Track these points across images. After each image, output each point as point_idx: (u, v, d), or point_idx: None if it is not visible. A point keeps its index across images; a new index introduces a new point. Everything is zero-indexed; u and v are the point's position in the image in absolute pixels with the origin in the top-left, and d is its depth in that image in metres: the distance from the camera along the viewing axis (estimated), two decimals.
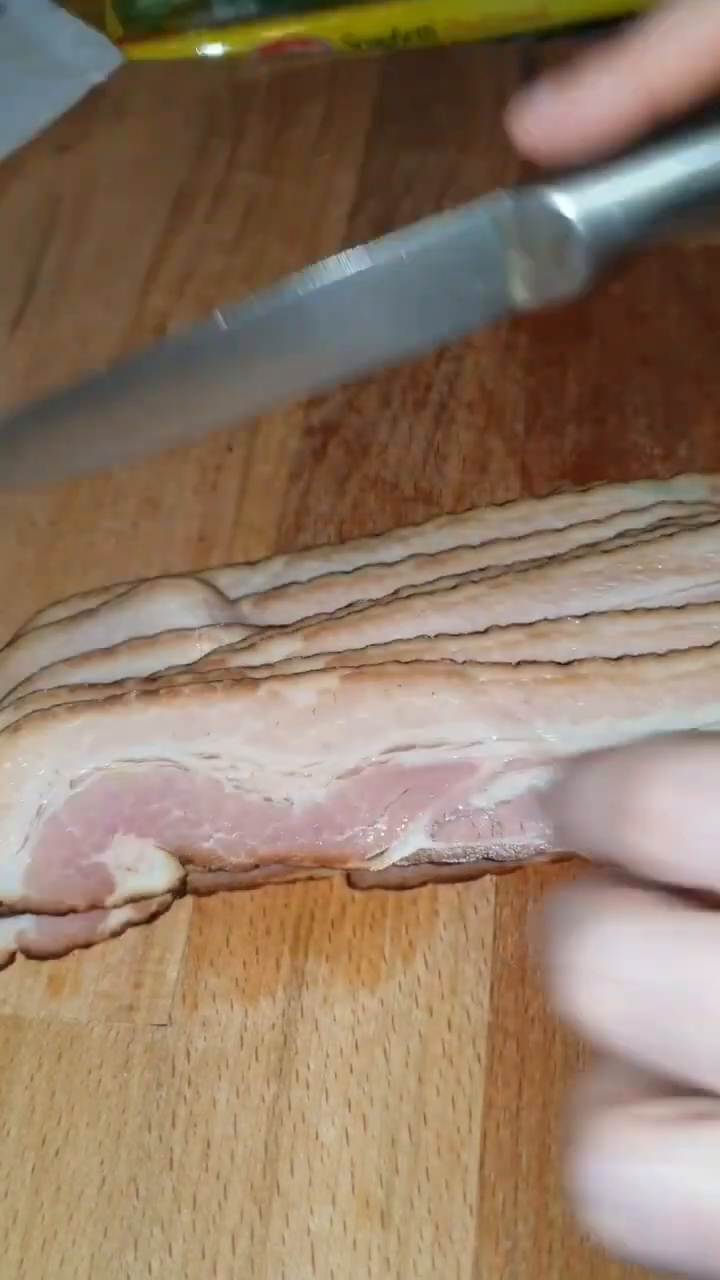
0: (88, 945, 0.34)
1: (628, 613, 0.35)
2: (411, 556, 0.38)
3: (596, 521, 0.38)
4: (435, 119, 0.57)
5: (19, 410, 0.32)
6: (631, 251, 0.28)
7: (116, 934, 0.34)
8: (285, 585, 0.38)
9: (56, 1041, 0.33)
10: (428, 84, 0.59)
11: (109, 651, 0.37)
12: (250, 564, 0.40)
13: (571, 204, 0.28)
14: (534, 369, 0.47)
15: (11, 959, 0.34)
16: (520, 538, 0.38)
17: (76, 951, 0.34)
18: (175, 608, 0.38)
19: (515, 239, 0.28)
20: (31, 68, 0.60)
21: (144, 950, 0.34)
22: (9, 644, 0.39)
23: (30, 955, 0.33)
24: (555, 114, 0.28)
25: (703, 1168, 0.19)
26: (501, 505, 0.40)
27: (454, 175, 0.54)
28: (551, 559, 0.37)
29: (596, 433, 0.44)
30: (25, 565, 0.43)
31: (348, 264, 0.28)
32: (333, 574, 0.38)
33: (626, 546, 0.37)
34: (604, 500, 0.40)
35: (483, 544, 0.38)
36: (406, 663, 0.34)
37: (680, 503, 0.39)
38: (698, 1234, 0.19)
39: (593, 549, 0.37)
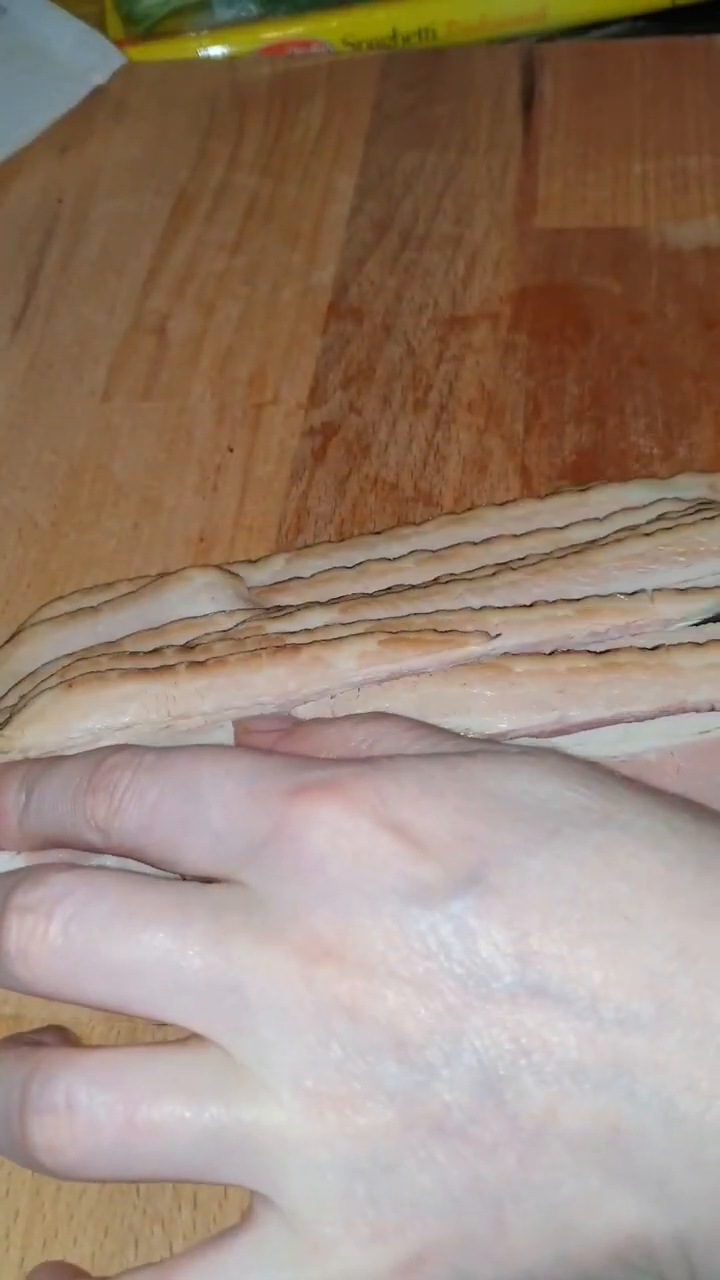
0: None
1: (681, 591, 0.35)
2: (413, 553, 0.38)
3: (596, 520, 0.38)
4: (435, 120, 0.57)
5: None
6: None
7: None
8: (287, 580, 0.38)
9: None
10: (428, 85, 0.59)
11: (113, 645, 0.37)
12: (251, 562, 0.40)
13: None
14: (534, 370, 0.47)
15: None
16: (521, 535, 0.38)
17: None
18: (191, 591, 0.38)
19: None
20: (32, 69, 0.60)
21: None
22: (9, 640, 0.39)
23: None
24: None
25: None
26: (501, 505, 0.40)
27: (454, 176, 0.55)
28: (590, 543, 0.37)
29: (596, 433, 0.44)
30: (26, 565, 0.43)
31: None
32: (335, 569, 0.38)
33: (667, 529, 0.36)
34: (603, 500, 0.40)
35: (485, 541, 0.38)
36: (443, 632, 0.34)
37: (680, 500, 0.39)
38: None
39: (633, 531, 0.37)
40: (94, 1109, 0.25)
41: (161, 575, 0.39)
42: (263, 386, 0.48)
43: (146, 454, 0.46)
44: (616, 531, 0.37)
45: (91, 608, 0.39)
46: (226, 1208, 0.31)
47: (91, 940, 0.26)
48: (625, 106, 0.57)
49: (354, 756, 0.29)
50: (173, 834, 0.27)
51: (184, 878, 0.28)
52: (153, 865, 0.28)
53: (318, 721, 0.32)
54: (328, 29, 0.61)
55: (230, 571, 0.39)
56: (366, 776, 0.27)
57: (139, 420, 0.47)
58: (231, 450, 0.46)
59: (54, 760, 0.31)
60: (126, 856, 0.29)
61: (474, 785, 0.27)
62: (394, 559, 0.38)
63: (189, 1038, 0.26)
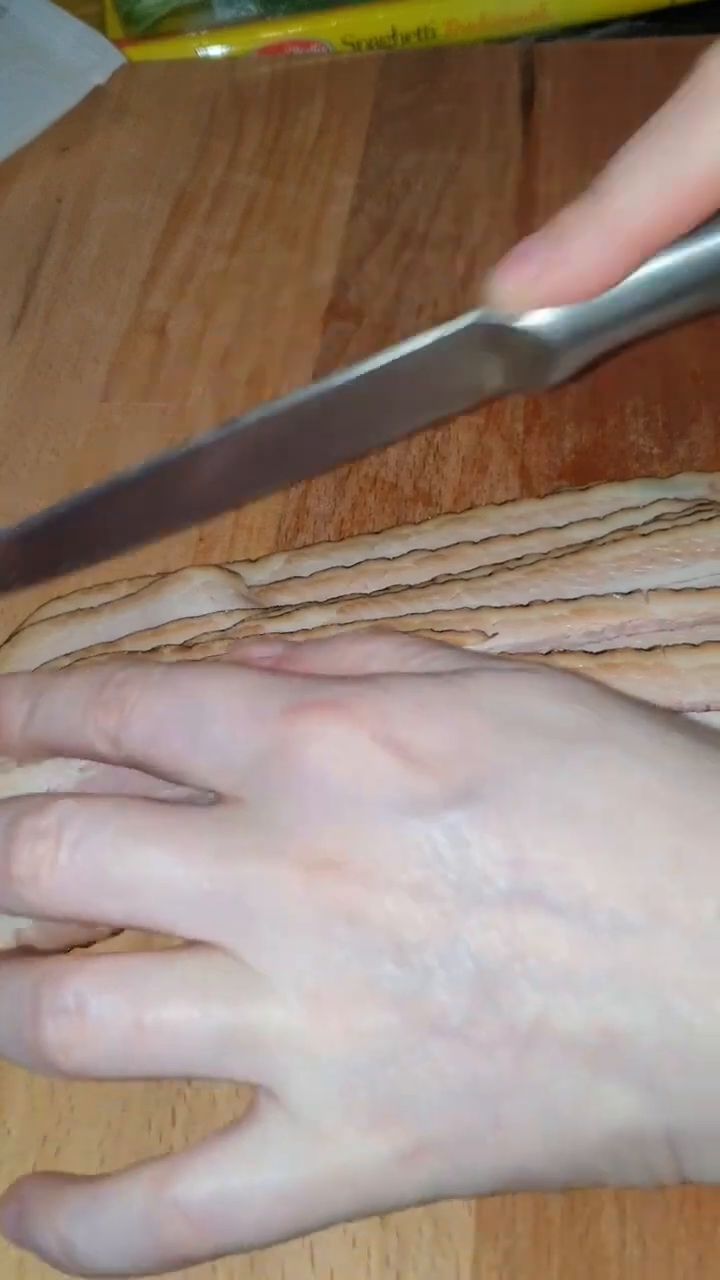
0: (88, 944, 0.34)
1: (676, 591, 0.35)
2: (412, 552, 0.38)
3: (596, 520, 0.38)
4: (435, 120, 0.57)
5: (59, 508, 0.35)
6: (607, 348, 0.31)
7: (116, 932, 0.34)
8: (286, 580, 0.38)
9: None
10: (427, 84, 0.59)
11: (111, 645, 0.37)
12: (250, 561, 0.40)
13: (547, 328, 0.29)
14: None
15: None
16: (520, 535, 0.38)
17: (76, 950, 0.34)
18: (190, 591, 0.38)
19: (493, 350, 0.30)
20: (32, 69, 0.60)
21: (144, 946, 0.34)
22: (8, 640, 0.39)
23: (30, 954, 0.33)
24: (542, 273, 0.29)
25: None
26: (501, 505, 0.40)
27: (453, 175, 0.55)
28: (587, 544, 0.37)
29: (595, 433, 0.44)
30: None
31: (353, 370, 0.31)
32: (334, 569, 0.38)
33: (664, 530, 0.37)
34: (603, 499, 0.40)
35: (484, 540, 0.38)
36: (440, 632, 0.34)
37: (679, 500, 0.39)
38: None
39: (630, 532, 0.37)
40: (103, 1009, 0.26)
41: (161, 575, 0.39)
42: (262, 387, 0.48)
43: (146, 454, 0.45)
44: (614, 532, 0.37)
45: (91, 608, 0.39)
46: None
47: (100, 861, 0.27)
48: (625, 106, 0.57)
49: (352, 674, 0.30)
50: (179, 748, 0.28)
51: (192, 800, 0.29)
52: (162, 777, 0.29)
53: (313, 643, 0.33)
54: (327, 29, 0.61)
55: (230, 570, 0.39)
56: (365, 695, 0.28)
57: (139, 420, 0.47)
58: None
59: (59, 673, 0.32)
60: (136, 768, 0.30)
61: (471, 703, 0.27)
62: (393, 559, 0.38)
63: (193, 944, 0.27)
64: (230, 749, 0.28)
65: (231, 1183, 0.26)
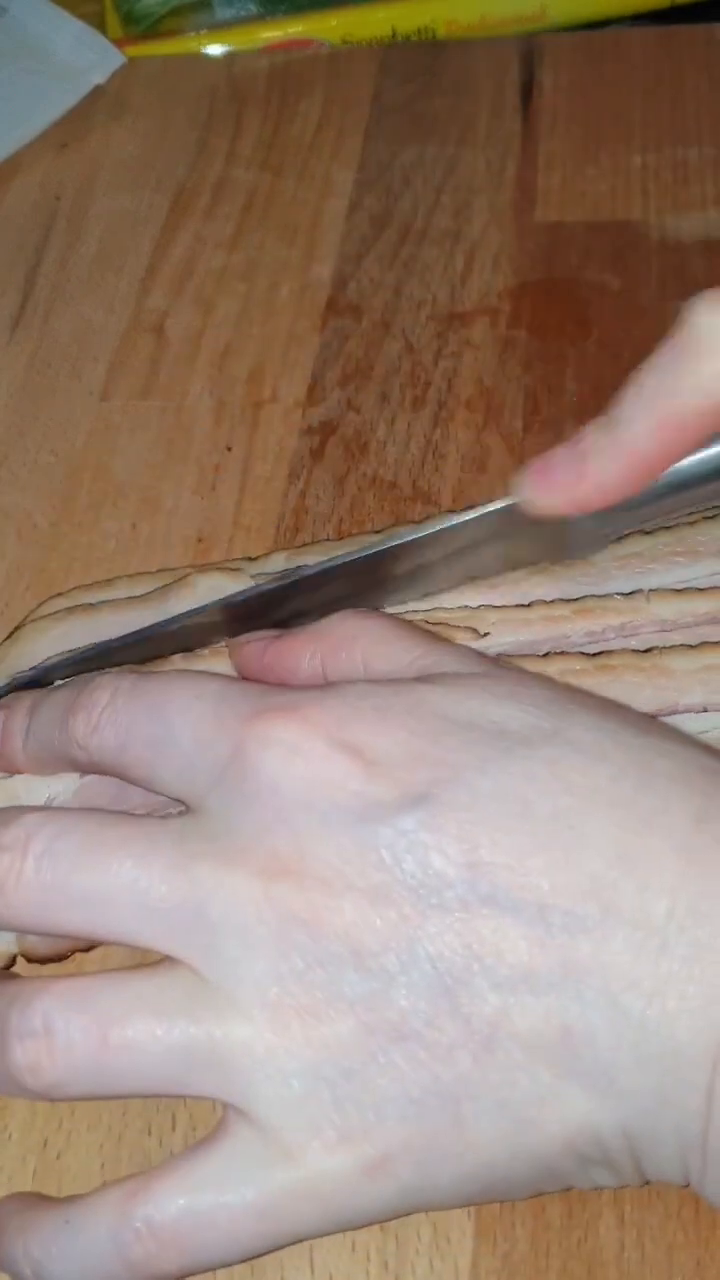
0: (89, 949, 0.34)
1: (677, 592, 0.35)
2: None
3: None
4: (434, 113, 0.57)
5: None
6: (634, 528, 0.35)
7: None
8: None
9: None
10: (426, 78, 0.58)
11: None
12: (251, 559, 0.40)
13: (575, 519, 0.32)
14: (532, 366, 0.46)
15: (12, 962, 0.34)
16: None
17: (77, 955, 0.34)
18: (196, 599, 0.38)
19: (526, 527, 0.33)
20: (32, 69, 0.60)
21: (145, 954, 0.34)
22: (8, 637, 0.39)
23: (31, 959, 0.33)
24: (566, 487, 0.31)
25: None
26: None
27: (453, 170, 0.54)
28: None
29: None
30: (25, 565, 0.43)
31: (397, 536, 0.34)
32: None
33: (666, 528, 0.36)
34: None
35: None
36: (434, 623, 0.34)
37: None
38: None
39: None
40: (70, 1031, 0.27)
41: (165, 586, 0.39)
42: (261, 385, 0.48)
43: (145, 453, 0.46)
44: None
45: (90, 605, 0.39)
46: None
47: (63, 872, 0.27)
48: (625, 98, 0.56)
49: (334, 655, 0.31)
50: (146, 754, 0.29)
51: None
52: (133, 783, 0.30)
53: (296, 632, 0.33)
54: (327, 28, 0.61)
55: (232, 570, 0.39)
56: (321, 701, 0.28)
57: (138, 420, 0.47)
58: (230, 449, 0.45)
59: (55, 687, 0.33)
60: (108, 774, 0.30)
61: (427, 709, 0.28)
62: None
63: (160, 961, 0.27)
64: (193, 757, 0.28)
65: (199, 1201, 0.26)
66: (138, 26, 0.62)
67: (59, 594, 0.40)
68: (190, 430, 0.46)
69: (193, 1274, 0.27)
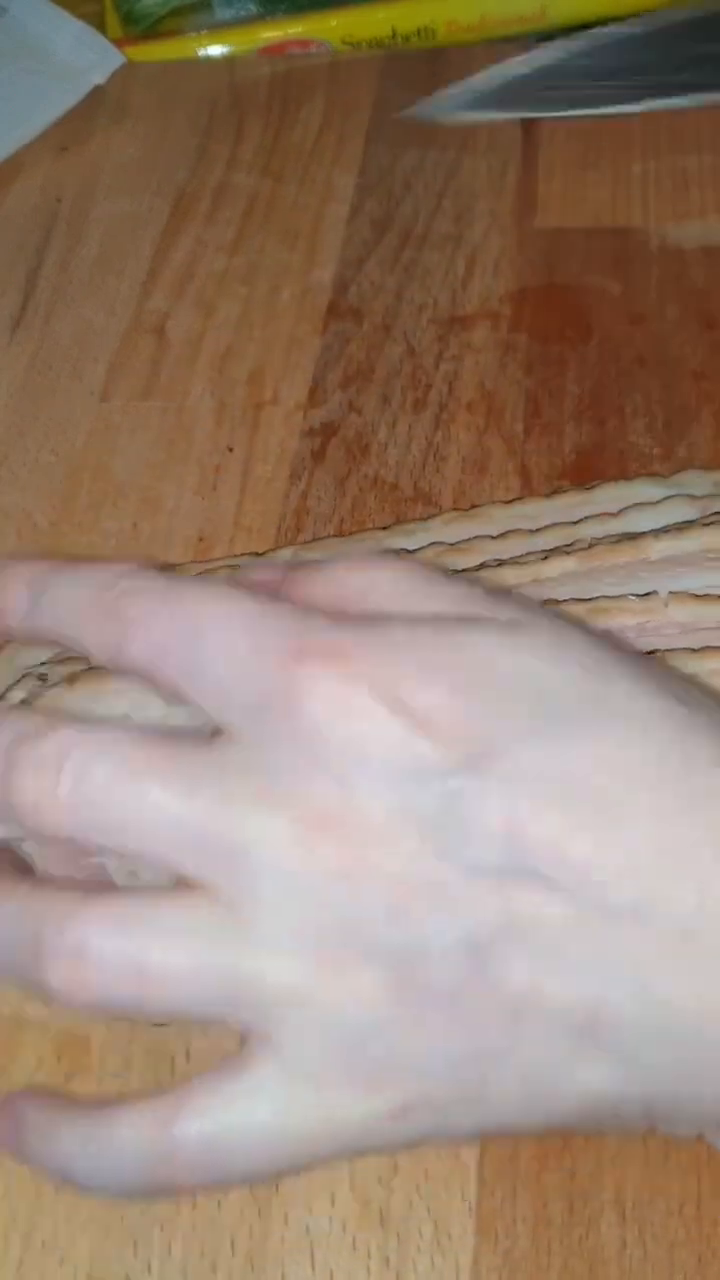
0: None
1: (697, 596, 0.35)
2: (432, 545, 0.38)
3: (610, 514, 0.38)
4: (434, 120, 0.57)
5: None
6: None
7: None
8: None
9: (56, 1043, 0.33)
10: (427, 83, 0.59)
11: None
12: (257, 555, 0.40)
13: None
14: (533, 369, 0.47)
15: None
16: (535, 531, 0.38)
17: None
18: None
19: None
20: (32, 69, 0.60)
21: None
22: None
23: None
24: None
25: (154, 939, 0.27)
26: (508, 503, 0.40)
27: (453, 175, 0.55)
28: (620, 539, 0.37)
29: (596, 433, 0.44)
30: None
31: None
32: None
33: (709, 525, 0.36)
34: (609, 497, 0.39)
35: (501, 535, 0.38)
36: None
37: (692, 497, 0.39)
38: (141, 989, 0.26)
39: (664, 531, 0.37)
40: (105, 955, 0.27)
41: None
42: (262, 386, 0.48)
43: (146, 454, 0.46)
44: (653, 532, 0.37)
45: None
46: (226, 1207, 0.31)
47: (99, 795, 0.27)
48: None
49: (352, 607, 0.30)
50: (178, 676, 0.28)
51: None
52: (162, 695, 0.29)
53: (313, 567, 0.32)
54: (327, 28, 0.61)
55: (235, 568, 0.39)
56: (368, 644, 0.27)
57: (138, 420, 0.47)
58: (231, 450, 0.46)
59: (64, 567, 0.30)
60: (135, 679, 0.29)
61: (473, 661, 0.27)
62: (414, 550, 0.38)
63: (195, 889, 0.27)
64: (230, 686, 0.28)
65: (225, 1124, 0.27)
66: (137, 27, 0.62)
67: None
68: (191, 431, 0.46)
69: (210, 1188, 0.29)
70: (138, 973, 0.27)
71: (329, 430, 0.46)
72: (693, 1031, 0.25)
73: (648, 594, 0.35)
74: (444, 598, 0.30)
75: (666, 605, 0.34)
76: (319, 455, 0.45)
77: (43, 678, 0.36)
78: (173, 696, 0.29)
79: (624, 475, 0.42)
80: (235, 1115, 0.27)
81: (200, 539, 0.43)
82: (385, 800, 0.26)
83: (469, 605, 0.30)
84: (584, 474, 0.43)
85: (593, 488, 0.40)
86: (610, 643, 0.30)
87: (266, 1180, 0.29)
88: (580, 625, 0.31)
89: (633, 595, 0.35)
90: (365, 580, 0.30)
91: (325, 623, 0.28)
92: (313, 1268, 0.30)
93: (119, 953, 0.27)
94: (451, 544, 0.38)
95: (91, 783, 0.27)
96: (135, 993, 0.27)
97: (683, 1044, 0.25)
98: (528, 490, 0.43)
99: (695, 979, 0.25)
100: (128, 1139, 0.27)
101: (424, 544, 0.38)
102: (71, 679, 0.35)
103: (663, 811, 0.26)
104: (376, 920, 0.26)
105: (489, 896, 0.26)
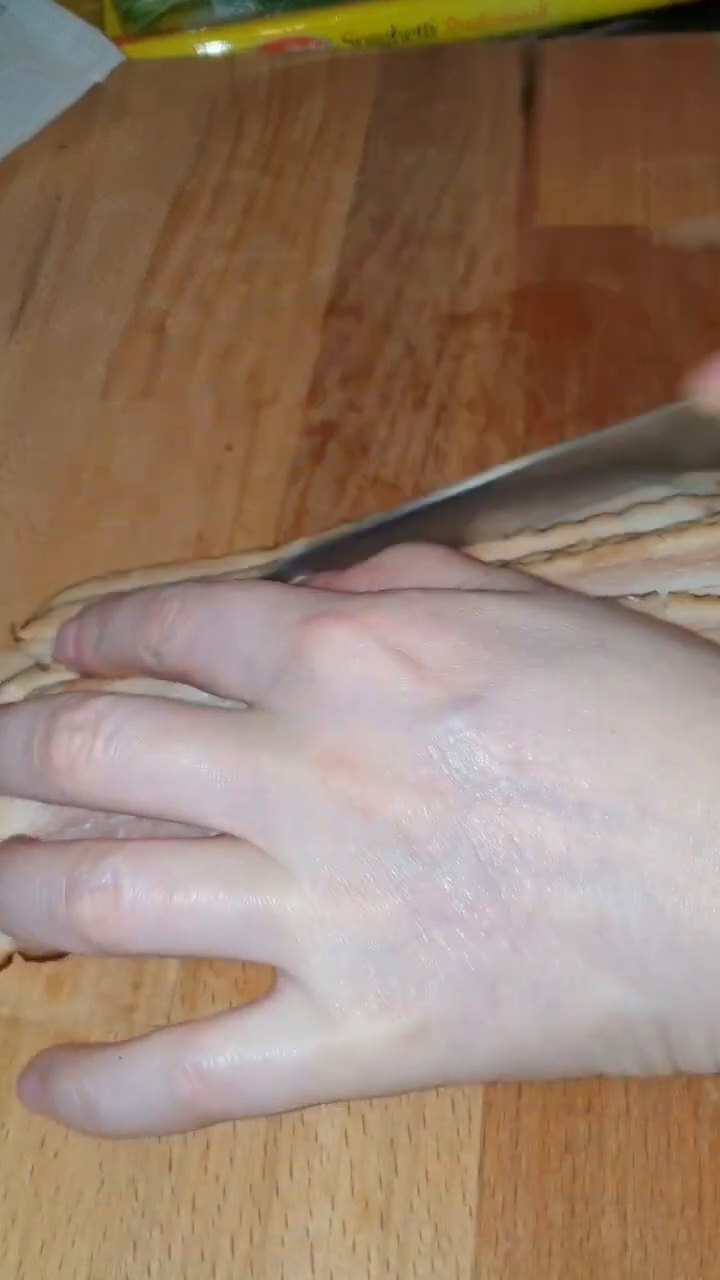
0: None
1: (698, 597, 0.35)
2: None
3: (614, 514, 0.38)
4: (436, 117, 0.57)
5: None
6: None
7: None
8: None
9: (56, 1043, 0.33)
10: (428, 82, 0.59)
11: None
12: (267, 549, 0.40)
13: None
14: (534, 368, 0.47)
15: (10, 960, 0.34)
16: (543, 530, 0.38)
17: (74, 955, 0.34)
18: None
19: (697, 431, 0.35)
20: (31, 68, 0.60)
21: (139, 961, 0.34)
22: (24, 626, 0.39)
23: (29, 957, 0.33)
24: None
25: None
26: None
27: (454, 173, 0.54)
28: (624, 539, 0.37)
29: None
30: (24, 565, 0.43)
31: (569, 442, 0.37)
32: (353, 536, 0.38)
33: (711, 525, 0.36)
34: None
35: (514, 533, 0.38)
36: None
37: (695, 496, 0.38)
38: None
39: (667, 531, 0.36)
40: (137, 889, 0.28)
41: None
42: (262, 385, 0.48)
43: (145, 453, 0.46)
44: (658, 531, 0.36)
45: (122, 571, 0.39)
46: (225, 1210, 0.30)
47: (132, 752, 0.29)
48: (626, 104, 0.57)
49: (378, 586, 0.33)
50: (210, 659, 0.31)
51: None
52: (199, 688, 0.31)
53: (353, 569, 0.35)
54: (327, 26, 0.61)
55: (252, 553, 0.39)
56: (377, 605, 0.30)
57: (138, 419, 0.47)
58: (230, 449, 0.45)
59: (123, 595, 0.34)
60: (175, 679, 0.32)
61: (480, 616, 0.29)
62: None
63: (220, 836, 0.29)
64: (254, 659, 0.30)
65: (247, 1052, 0.28)
66: (137, 24, 0.62)
67: (75, 585, 0.40)
68: (190, 430, 0.46)
69: (234, 1118, 0.31)
70: (166, 907, 0.28)
71: (329, 429, 0.46)
72: (700, 944, 0.26)
73: (648, 594, 0.35)
74: (468, 577, 0.32)
75: (666, 606, 0.34)
76: (319, 454, 0.45)
77: (44, 667, 0.36)
78: (207, 687, 0.31)
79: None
80: (257, 1046, 0.28)
81: (200, 538, 0.43)
82: (393, 739, 0.28)
83: (489, 581, 0.32)
84: None
85: None
86: (620, 606, 0.32)
87: (291, 1110, 0.30)
88: (590, 595, 0.33)
89: (633, 595, 0.35)
90: (402, 559, 0.33)
91: (341, 595, 0.31)
92: (313, 1270, 0.30)
93: (149, 889, 0.28)
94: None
95: (125, 742, 0.29)
96: (163, 927, 0.28)
97: (690, 956, 0.26)
98: None
99: (701, 890, 0.26)
100: (156, 1070, 0.29)
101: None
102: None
103: (665, 731, 0.27)
104: (389, 849, 0.28)
105: (496, 822, 0.27)
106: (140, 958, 0.33)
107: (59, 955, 0.34)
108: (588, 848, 0.27)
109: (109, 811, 0.32)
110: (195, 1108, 0.29)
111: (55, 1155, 0.32)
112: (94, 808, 0.31)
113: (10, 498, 0.45)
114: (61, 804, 0.31)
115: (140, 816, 0.31)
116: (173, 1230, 0.30)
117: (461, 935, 0.27)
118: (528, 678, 0.28)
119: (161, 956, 0.33)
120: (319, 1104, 0.30)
